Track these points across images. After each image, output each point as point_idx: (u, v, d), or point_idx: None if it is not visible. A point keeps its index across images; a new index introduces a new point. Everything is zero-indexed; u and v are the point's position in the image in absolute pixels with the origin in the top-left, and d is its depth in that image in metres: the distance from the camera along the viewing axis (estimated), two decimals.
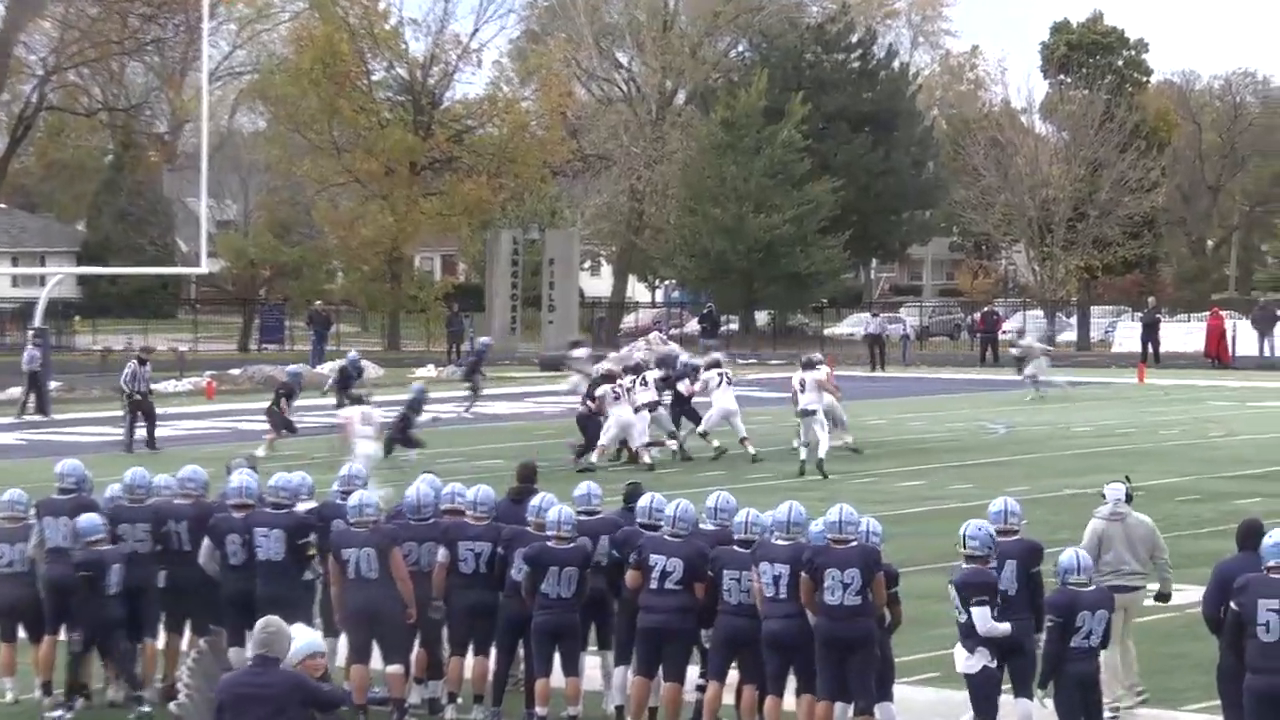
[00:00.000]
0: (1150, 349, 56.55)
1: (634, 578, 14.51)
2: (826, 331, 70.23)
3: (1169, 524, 15.62)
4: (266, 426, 33.09)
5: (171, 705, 14.91)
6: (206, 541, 15.66)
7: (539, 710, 14.74)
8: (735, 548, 14.17)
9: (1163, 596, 15.25)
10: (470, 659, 15.23)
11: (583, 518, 15.03)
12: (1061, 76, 73.78)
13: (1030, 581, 13.82)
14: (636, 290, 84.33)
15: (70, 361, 56.58)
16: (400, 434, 30.08)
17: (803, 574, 13.64)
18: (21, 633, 16.12)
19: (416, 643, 15.25)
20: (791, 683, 14.02)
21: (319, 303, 63.07)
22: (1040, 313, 67.44)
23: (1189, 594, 15.23)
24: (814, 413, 30.03)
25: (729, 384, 31.80)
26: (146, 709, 15.49)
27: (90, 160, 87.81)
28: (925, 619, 17.10)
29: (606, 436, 30.28)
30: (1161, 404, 42.86)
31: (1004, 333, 59.67)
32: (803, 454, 29.77)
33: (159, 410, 35.49)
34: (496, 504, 15.53)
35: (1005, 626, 13.29)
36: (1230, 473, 29.49)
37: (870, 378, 51.35)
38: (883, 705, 13.83)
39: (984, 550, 13.40)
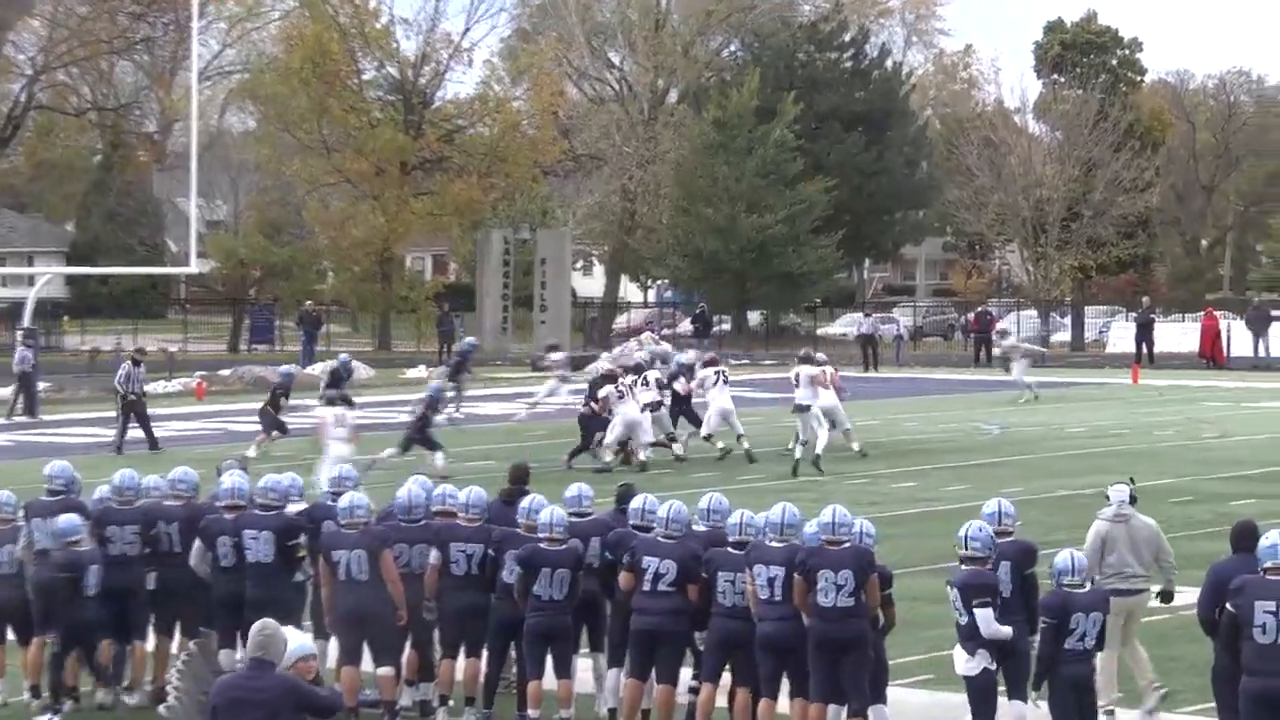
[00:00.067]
0: (1144, 349, 56.54)
1: (627, 580, 14.46)
2: (819, 332, 70.18)
3: (1164, 525, 15.52)
4: (259, 427, 33.00)
5: (161, 708, 14.88)
6: (198, 543, 15.63)
7: (531, 713, 14.67)
8: (729, 549, 14.11)
9: (1166, 596, 15.19)
10: (461, 661, 15.17)
11: (574, 519, 14.98)
12: (1055, 76, 73.74)
13: (1025, 583, 13.77)
14: (629, 290, 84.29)
15: (59, 362, 56.42)
16: (419, 434, 29.67)
17: (796, 575, 13.58)
18: (11, 635, 16.06)
19: (407, 645, 15.17)
20: (785, 685, 13.94)
21: (309, 303, 63.00)
22: (1034, 313, 67.37)
23: (1184, 596, 15.14)
24: (808, 408, 30.01)
25: (725, 383, 31.74)
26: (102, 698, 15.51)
27: (79, 160, 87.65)
28: (919, 621, 17.04)
29: (611, 435, 30.25)
30: (1156, 405, 42.81)
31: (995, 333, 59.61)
32: (798, 453, 29.70)
33: (149, 411, 35.35)
34: (488, 505, 15.46)
35: (1008, 630, 13.23)
36: (1225, 474, 29.43)
37: (863, 378, 51.28)
38: (876, 708, 13.79)
39: (985, 552, 13.34)
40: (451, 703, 15.19)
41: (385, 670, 14.87)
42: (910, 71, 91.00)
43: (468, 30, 70.44)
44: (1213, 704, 13.31)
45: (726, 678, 14.21)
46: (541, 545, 14.59)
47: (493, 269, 63.35)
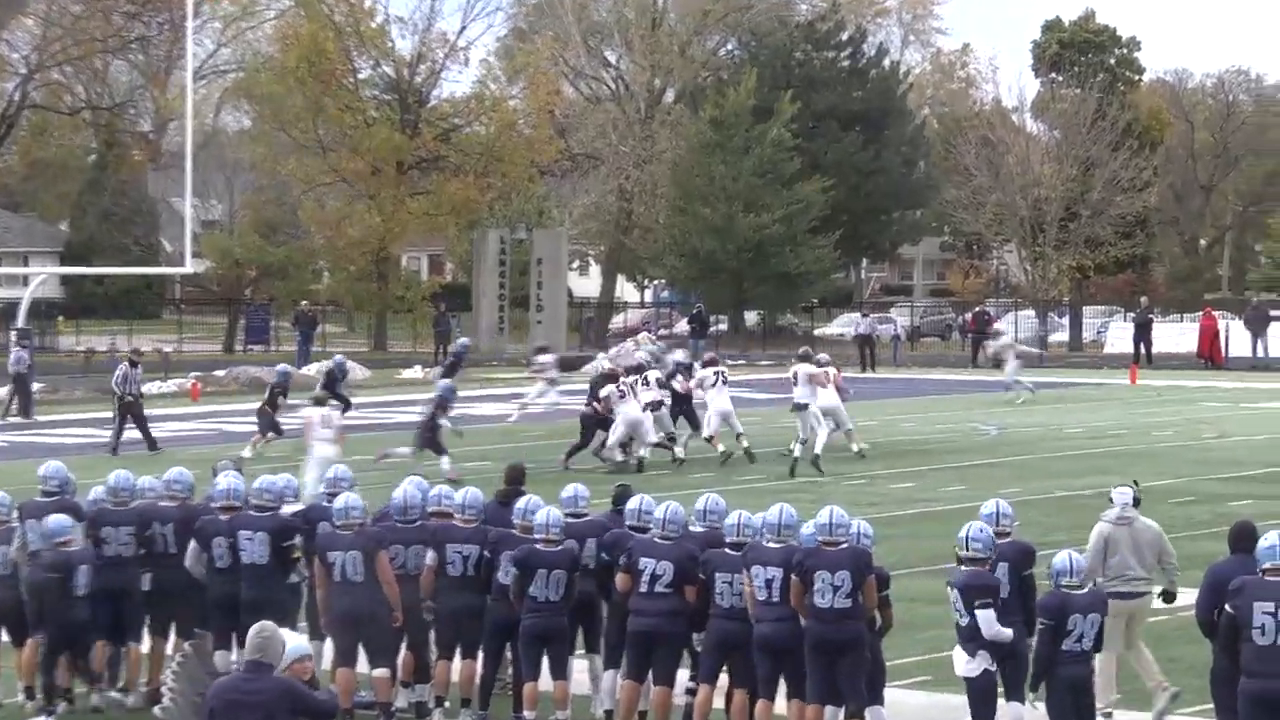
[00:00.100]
0: (1143, 349, 56.47)
1: (624, 581, 14.42)
2: (816, 332, 70.10)
3: (1162, 526, 15.50)
4: (254, 427, 32.94)
5: (156, 709, 14.87)
6: (193, 544, 15.61)
7: (527, 714, 14.64)
8: (727, 551, 14.06)
9: (1168, 596, 15.14)
10: (457, 662, 15.14)
11: (570, 520, 14.93)
12: (1053, 75, 73.69)
13: (1022, 584, 13.75)
14: (625, 290, 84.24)
15: (54, 363, 56.31)
16: (429, 436, 29.48)
17: (793, 576, 13.52)
18: (5, 636, 16.02)
19: (403, 646, 15.11)
20: (782, 687, 13.89)
21: (305, 303, 62.91)
22: (1032, 313, 67.32)
23: (1183, 597, 15.10)
24: (805, 406, 29.97)
25: (725, 384, 31.69)
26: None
27: (74, 159, 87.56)
28: (916, 622, 17.00)
29: (614, 436, 30.20)
30: (1154, 405, 42.76)
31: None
32: (797, 452, 29.64)
33: (146, 412, 35.25)
34: (485, 506, 15.41)
35: (1010, 632, 13.19)
36: (1223, 474, 29.39)
37: (860, 379, 51.18)
38: (873, 709, 13.77)
39: (986, 553, 13.32)
40: (447, 704, 15.16)
41: (381, 672, 14.83)
42: (908, 71, 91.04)
43: (464, 29, 70.51)
44: (1211, 705, 13.26)
45: (723, 679, 14.16)
46: (537, 546, 14.55)
47: (489, 269, 63.27)
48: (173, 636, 15.88)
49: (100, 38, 72.61)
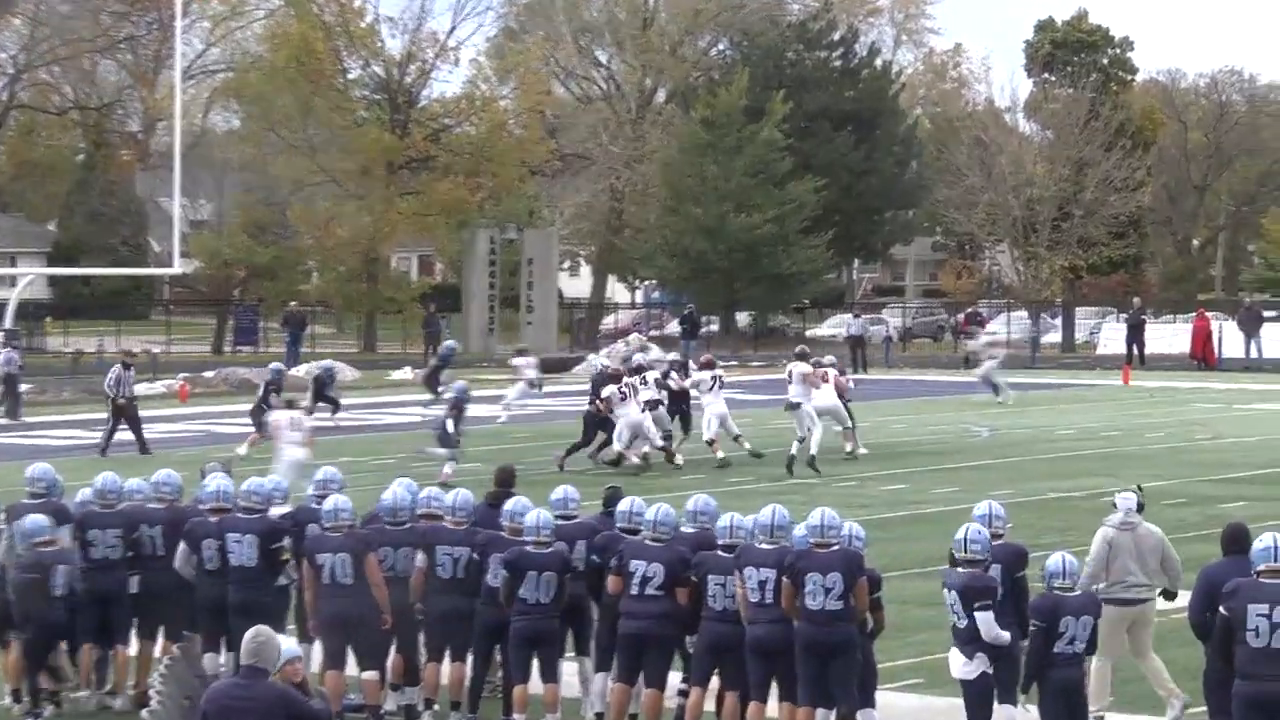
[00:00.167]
0: (1135, 350, 56.48)
1: (615, 583, 14.35)
2: (808, 333, 70.03)
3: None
4: (243, 429, 32.86)
5: (144, 712, 14.78)
6: (182, 546, 15.54)
7: (517, 717, 14.56)
8: (719, 553, 13.99)
9: (1168, 595, 15.06)
10: (447, 665, 15.07)
11: (560, 522, 14.85)
12: (1046, 75, 73.71)
13: (1015, 586, 13.73)
14: (616, 291, 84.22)
15: (42, 364, 56.10)
16: (444, 435, 29.31)
17: (784, 578, 13.44)
18: None
19: (392, 649, 15.03)
20: (775, 689, 13.81)
21: (294, 304, 62.81)
22: (1024, 313, 67.26)
23: (1178, 599, 15.03)
24: (799, 405, 29.92)
25: (721, 387, 31.63)
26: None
27: (62, 160, 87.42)
28: (908, 624, 16.95)
29: (620, 442, 30.13)
30: (1147, 406, 42.74)
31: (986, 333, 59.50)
32: (794, 449, 29.57)
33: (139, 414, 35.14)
34: (475, 509, 15.33)
35: (1008, 634, 13.14)
36: (1216, 476, 29.36)
37: (852, 379, 51.10)
38: (865, 711, 13.71)
39: (984, 555, 13.27)
40: (437, 707, 15.09)
41: (370, 674, 14.76)
42: (900, 70, 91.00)
43: (454, 29, 70.45)
44: (1204, 708, 13.21)
45: (714, 682, 14.09)
46: (527, 548, 14.47)
47: (479, 269, 63.22)
48: (160, 639, 15.81)
49: (88, 37, 72.58)
